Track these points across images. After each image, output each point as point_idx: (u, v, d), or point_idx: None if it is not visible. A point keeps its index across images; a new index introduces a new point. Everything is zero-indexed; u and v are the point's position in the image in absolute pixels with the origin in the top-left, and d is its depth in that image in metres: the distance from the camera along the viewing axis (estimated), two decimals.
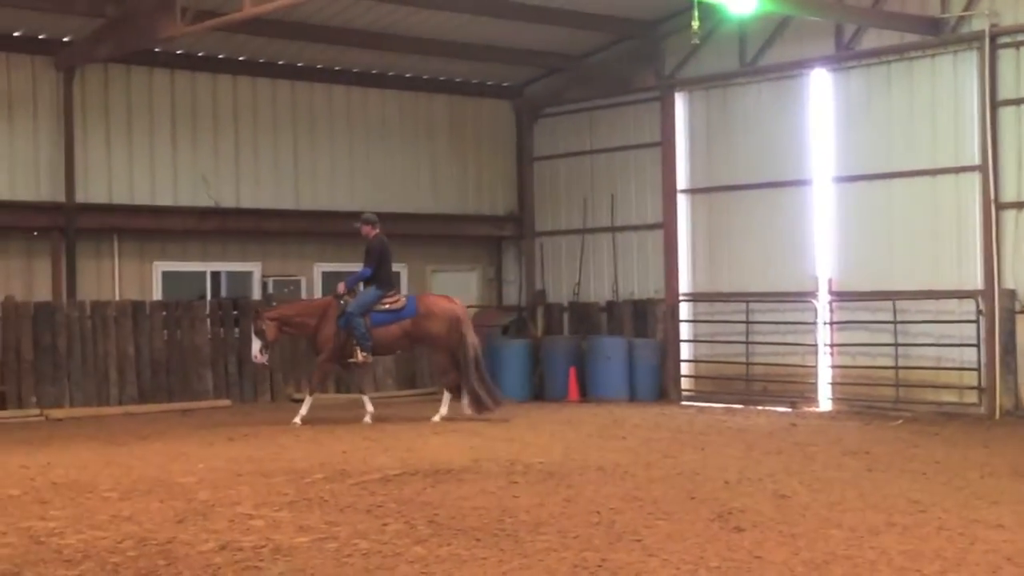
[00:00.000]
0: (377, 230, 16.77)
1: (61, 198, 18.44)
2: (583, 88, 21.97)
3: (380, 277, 16.62)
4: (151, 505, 9.70)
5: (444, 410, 16.50)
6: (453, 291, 22.19)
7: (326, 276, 21.47)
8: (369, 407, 16.53)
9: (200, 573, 7.25)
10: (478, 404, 16.41)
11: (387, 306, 16.54)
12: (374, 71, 21.73)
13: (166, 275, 19.86)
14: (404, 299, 16.87)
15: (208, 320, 19.31)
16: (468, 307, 22.32)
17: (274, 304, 18.19)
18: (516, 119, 23.25)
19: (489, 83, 23.00)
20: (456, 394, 16.59)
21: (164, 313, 18.85)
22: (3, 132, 18.20)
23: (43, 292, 18.34)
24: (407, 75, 22.09)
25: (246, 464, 12.11)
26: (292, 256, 21.15)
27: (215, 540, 8.21)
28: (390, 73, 21.91)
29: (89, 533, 8.48)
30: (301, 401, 19.16)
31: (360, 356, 16.40)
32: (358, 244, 21.57)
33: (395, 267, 22.15)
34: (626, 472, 11.39)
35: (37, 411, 17.25)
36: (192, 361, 18.90)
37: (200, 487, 10.62)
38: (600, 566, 7.33)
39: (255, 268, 20.76)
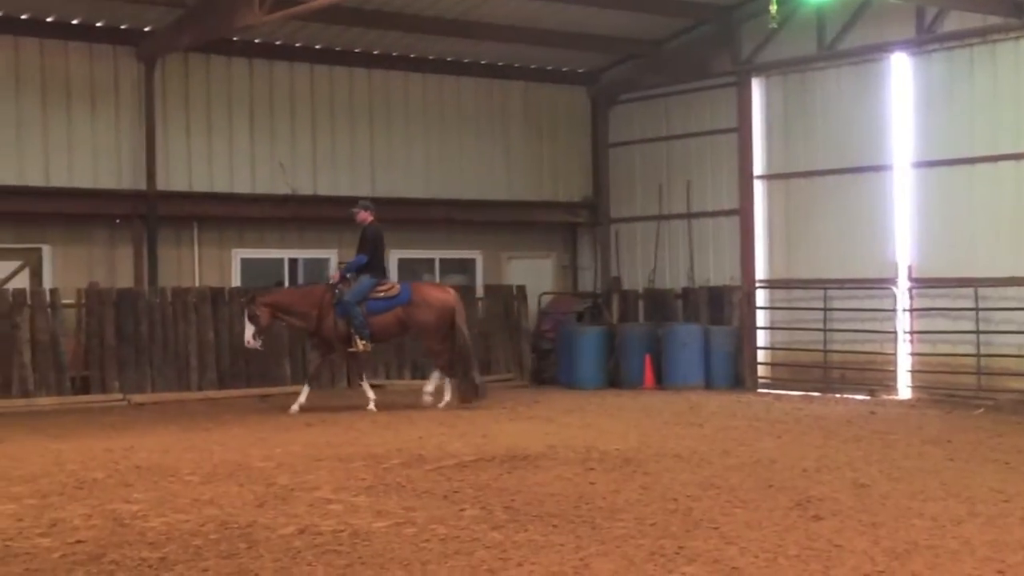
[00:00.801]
0: (372, 217, 16.74)
1: (143, 186, 18.70)
2: (659, 74, 21.84)
3: (374, 264, 16.58)
4: (231, 489, 9.82)
5: (448, 396, 16.57)
6: (528, 278, 22.28)
7: (401, 263, 21.60)
8: (371, 394, 16.50)
9: (280, 556, 7.33)
10: (464, 393, 16.52)
11: (382, 294, 16.50)
12: (449, 58, 21.77)
13: (245, 262, 20.08)
14: (398, 287, 16.83)
15: None
16: (543, 294, 22.42)
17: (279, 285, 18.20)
18: (592, 105, 23.18)
19: (565, 69, 22.95)
20: (451, 374, 16.66)
21: (243, 300, 19.04)
22: (86, 122, 18.49)
23: (125, 279, 18.62)
24: (483, 62, 22.10)
25: (324, 449, 12.22)
26: None
27: (294, 524, 8.30)
28: (466, 60, 21.93)
29: (172, 516, 8.60)
30: (380, 387, 19.38)
31: (360, 344, 16.35)
32: (431, 231, 21.79)
33: (470, 254, 22.44)
34: (703, 459, 11.34)
35: (120, 396, 17.53)
36: (270, 347, 19.06)
37: (279, 471, 10.73)
38: (678, 553, 7.31)
39: (331, 255, 20.90)
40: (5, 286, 17.65)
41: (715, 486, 9.80)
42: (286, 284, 20.16)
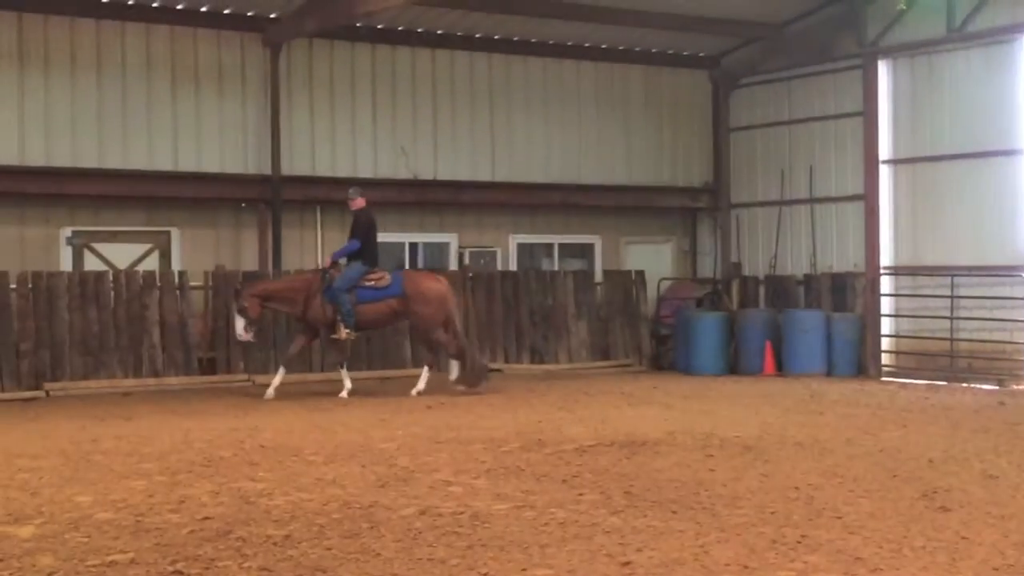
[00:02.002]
0: (365, 202, 16.58)
1: (267, 171, 19.02)
2: (782, 57, 21.55)
3: (367, 252, 16.40)
4: (354, 469, 9.95)
5: (455, 373, 16.57)
6: (648, 263, 22.19)
7: (521, 247, 21.68)
8: (347, 383, 16.30)
9: (402, 537, 7.41)
10: (462, 379, 16.53)
11: (371, 283, 16.29)
12: (570, 43, 21.74)
13: None
14: (388, 276, 16.52)
15: None
16: (662, 279, 22.31)
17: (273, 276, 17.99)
18: (712, 89, 22.97)
19: (685, 53, 22.76)
20: (462, 359, 16.58)
21: (232, 292, 19.16)
22: (214, 107, 18.87)
23: (250, 261, 18.97)
24: (603, 46, 22.03)
25: (444, 432, 12.32)
26: (488, 227, 21.39)
27: (415, 505, 8.38)
28: (586, 44, 21.88)
29: (296, 495, 8.75)
30: (498, 371, 19.48)
31: (343, 332, 16.19)
32: (550, 215, 21.80)
33: (589, 239, 22.41)
34: (825, 448, 11.19)
35: (245, 376, 17.87)
36: (391, 330, 19.23)
37: (400, 453, 10.85)
38: (799, 542, 7.23)
39: (452, 239, 21.07)
40: (135, 268, 18.12)
41: (838, 475, 9.66)
42: (406, 267, 20.34)
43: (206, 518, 7.90)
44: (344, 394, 16.11)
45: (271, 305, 16.48)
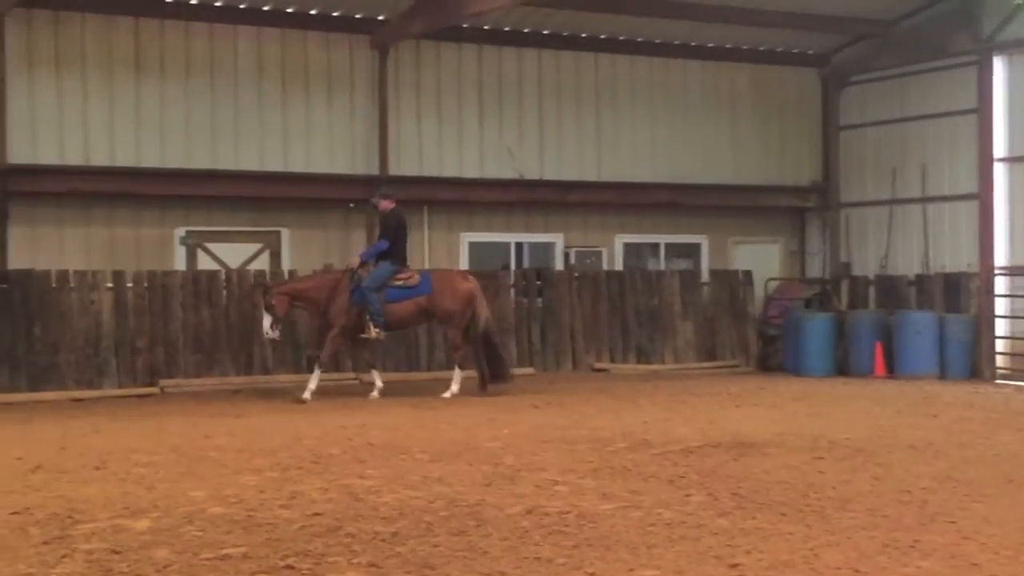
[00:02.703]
0: (394, 204, 16.43)
1: (375, 171, 19.21)
2: (893, 54, 21.19)
3: (395, 252, 16.25)
4: (460, 468, 10.00)
5: (455, 387, 16.13)
6: (755, 263, 21.97)
7: (627, 247, 21.61)
8: (378, 382, 16.13)
9: (509, 535, 7.43)
10: (484, 380, 16.33)
11: (400, 282, 16.16)
12: (676, 42, 21.62)
13: (473, 245, 20.42)
14: (417, 276, 16.40)
15: (512, 290, 19.74)
16: (770, 280, 22.08)
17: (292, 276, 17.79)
18: (822, 87, 22.68)
19: (795, 51, 22.50)
20: (464, 368, 16.36)
21: (259, 290, 19.23)
22: (323, 109, 19.12)
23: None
24: (710, 45, 21.88)
25: (550, 431, 12.33)
26: (594, 227, 21.36)
27: (522, 504, 8.39)
28: (692, 43, 21.75)
29: (403, 492, 8.81)
30: (603, 371, 19.45)
31: (373, 331, 16.02)
32: (657, 215, 21.69)
33: (696, 238, 22.26)
34: (938, 451, 10.98)
35: (352, 375, 18.06)
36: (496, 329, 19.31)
37: (506, 452, 10.88)
38: (912, 547, 7.10)
39: (557, 239, 21.08)
40: (246, 267, 18.42)
41: (952, 479, 9.48)
42: (511, 268, 20.40)
43: (316, 514, 8.00)
44: (375, 394, 15.95)
45: (299, 304, 16.35)
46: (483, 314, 16.41)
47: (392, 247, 16.18)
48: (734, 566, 6.66)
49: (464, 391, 16.11)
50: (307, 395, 15.57)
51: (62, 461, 10.32)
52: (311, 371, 16.12)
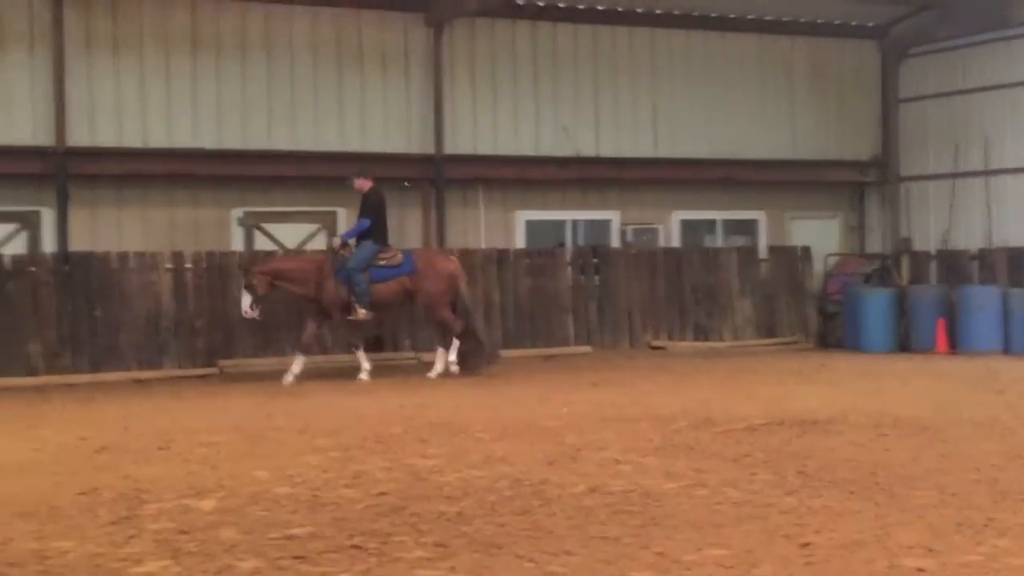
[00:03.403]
0: (372, 182, 16.14)
1: (431, 150, 19.20)
2: (954, 25, 20.85)
3: (377, 231, 15.99)
4: (522, 447, 9.96)
5: (452, 357, 15.99)
6: (814, 239, 21.75)
7: (684, 223, 21.46)
8: (365, 364, 15.88)
9: (573, 515, 7.38)
10: (477, 360, 16.12)
11: (384, 262, 15.93)
12: (732, 15, 21.41)
13: (529, 223, 20.37)
14: (400, 255, 16.18)
15: (569, 267, 19.66)
16: (829, 255, 21.86)
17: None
18: (881, 60, 22.38)
19: (853, 23, 22.21)
20: (448, 344, 16.12)
21: (527, 261, 19.33)
22: (378, 87, 19.11)
23: (414, 240, 19.17)
24: (767, 18, 21.65)
25: (610, 409, 12.27)
26: (650, 204, 21.23)
27: (585, 483, 8.34)
28: (749, 16, 21.53)
29: (466, 472, 8.79)
30: (661, 349, 19.35)
31: (359, 312, 15.80)
32: (713, 191, 21.51)
33: (753, 215, 22.06)
34: (1006, 428, 10.81)
35: (411, 354, 18.08)
36: (554, 308, 19.29)
37: (567, 431, 10.83)
38: (986, 525, 6.97)
39: (614, 216, 20.97)
40: (304, 247, 18.46)
41: (1021, 456, 9.31)
42: (567, 246, 20.33)
43: (380, 493, 7.99)
44: (363, 376, 15.75)
45: (280, 284, 16.00)
46: (466, 295, 16.27)
47: (373, 226, 15.89)
48: (804, 545, 6.57)
49: (515, 371, 16.06)
50: (290, 378, 15.44)
51: (126, 441, 10.39)
52: (359, 352, 16.04)
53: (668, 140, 21.09)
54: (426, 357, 17.72)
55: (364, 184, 16.10)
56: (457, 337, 16.11)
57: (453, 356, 16.03)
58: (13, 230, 17.60)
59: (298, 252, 17.76)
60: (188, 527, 7.05)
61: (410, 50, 19.30)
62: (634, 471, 8.83)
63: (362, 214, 16.06)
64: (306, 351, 15.99)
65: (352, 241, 16.01)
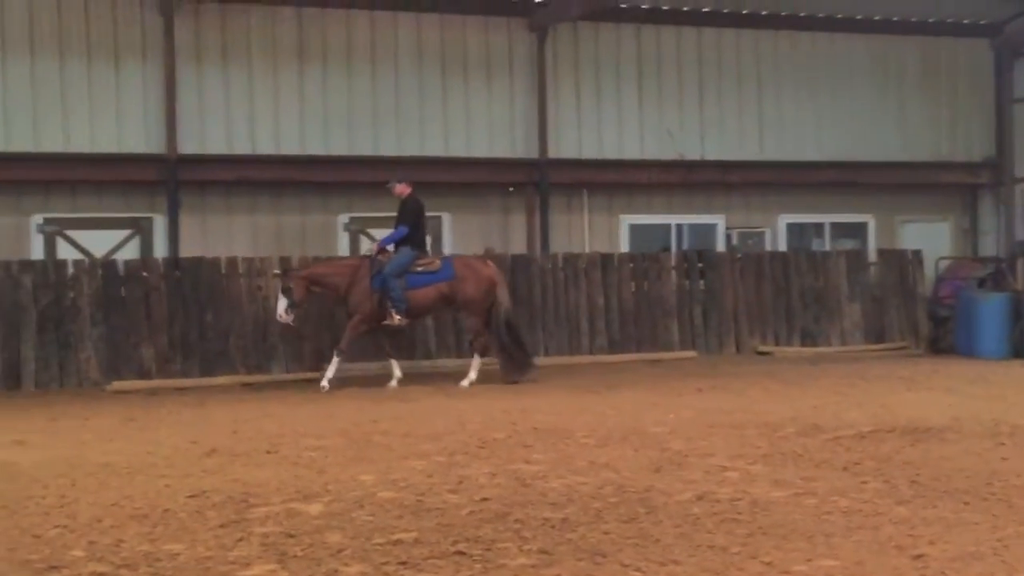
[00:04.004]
0: (411, 188, 15.83)
1: (535, 154, 19.21)
2: None
3: (415, 237, 15.74)
4: (626, 453, 9.87)
5: (473, 375, 15.62)
6: (924, 242, 21.33)
7: (790, 227, 21.20)
8: (397, 372, 15.65)
9: (680, 523, 7.29)
10: (508, 368, 15.75)
11: (421, 268, 15.64)
12: (840, 16, 21.10)
13: (632, 227, 20.28)
14: (439, 261, 15.91)
15: (674, 272, 19.51)
16: (940, 259, 21.42)
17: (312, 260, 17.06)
18: (994, 58, 21.90)
19: (965, 21, 21.77)
20: (485, 356, 15.83)
21: (631, 265, 19.22)
22: (482, 93, 19.19)
23: (518, 244, 19.20)
24: (875, 18, 21.31)
25: (716, 415, 12.12)
26: (756, 208, 21.03)
27: (691, 490, 8.24)
28: (858, 17, 21.20)
29: (570, 478, 8.73)
30: (767, 354, 19.11)
31: (395, 318, 15.52)
32: (821, 194, 21.21)
33: (862, 218, 21.71)
34: None
35: None
36: (658, 312, 19.17)
37: (673, 437, 10.71)
38: None
39: (719, 220, 20.80)
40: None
41: None
42: (672, 250, 20.20)
43: (484, 499, 7.97)
44: (393, 383, 15.55)
45: (317, 289, 15.82)
46: (504, 301, 16.04)
47: (411, 233, 15.70)
48: (917, 557, 6.40)
49: (620, 376, 15.96)
50: (325, 383, 15.40)
51: (235, 445, 10.52)
52: (477, 357, 15.99)
53: (774, 142, 20.86)
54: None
55: (404, 190, 15.88)
56: (481, 347, 15.91)
57: (474, 375, 15.71)
58: (126, 236, 18.03)
59: (347, 257, 17.45)
60: (295, 531, 7.10)
61: (514, 55, 19.35)
62: (741, 479, 8.70)
63: (400, 220, 15.82)
64: (342, 354, 15.78)
65: (391, 247, 15.86)
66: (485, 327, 15.91)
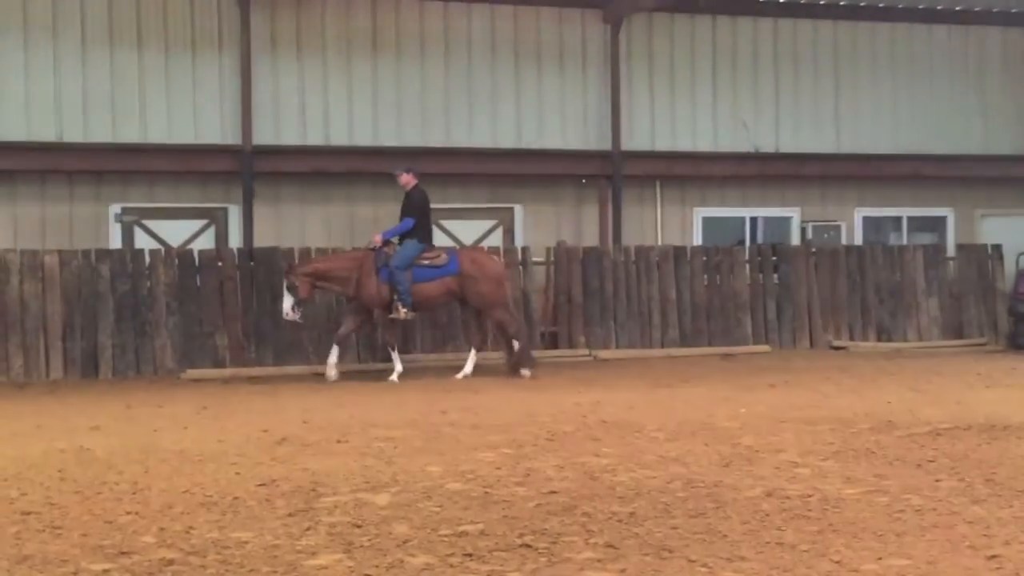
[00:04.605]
0: (416, 180, 15.57)
1: (607, 146, 19.12)
2: None
3: (421, 230, 15.49)
4: (696, 447, 9.80)
5: (527, 372, 15.51)
6: (1005, 237, 20.95)
7: (867, 220, 20.92)
8: (398, 366, 15.48)
9: (749, 519, 7.21)
10: (518, 363, 15.62)
11: (427, 261, 15.40)
12: (921, 6, 20.77)
13: (706, 220, 20.13)
14: (445, 255, 15.61)
15: (747, 266, 19.33)
16: (1021, 254, 21.02)
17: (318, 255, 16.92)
18: None
19: None
20: (521, 340, 15.73)
21: (704, 258, 19.07)
22: (555, 84, 19.13)
23: (590, 237, 19.13)
24: (957, 8, 20.93)
25: (788, 411, 11.99)
26: (831, 200, 20.77)
27: (761, 486, 8.15)
28: (938, 7, 20.85)
29: (639, 472, 8.68)
30: (842, 349, 18.89)
31: (401, 312, 15.29)
32: (899, 187, 20.89)
33: (941, 211, 21.36)
34: None
35: (586, 351, 18.04)
36: (731, 306, 19.01)
37: (743, 432, 10.61)
38: None
39: (794, 213, 20.57)
40: (481, 244, 18.58)
41: None
42: (747, 243, 20.03)
43: (552, 492, 7.94)
44: (394, 377, 15.36)
45: (322, 284, 15.65)
46: (508, 295, 15.97)
47: (417, 225, 15.50)
48: (992, 557, 6.28)
49: (691, 370, 15.84)
50: (332, 372, 15.37)
51: (305, 434, 10.59)
52: (394, 352, 15.75)
53: (851, 134, 20.60)
54: (602, 354, 17.72)
55: (409, 180, 15.62)
56: (515, 338, 15.78)
57: (527, 372, 15.59)
58: (202, 226, 18.21)
59: (351, 250, 17.00)
60: (362, 521, 7.12)
61: (588, 46, 19.28)
62: (812, 475, 8.59)
63: (405, 212, 15.63)
64: (341, 343, 15.68)
65: (395, 239, 15.69)
66: (512, 318, 15.87)
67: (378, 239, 15.67)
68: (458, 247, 16.64)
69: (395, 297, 15.37)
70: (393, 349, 15.76)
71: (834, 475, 8.57)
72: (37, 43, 17.40)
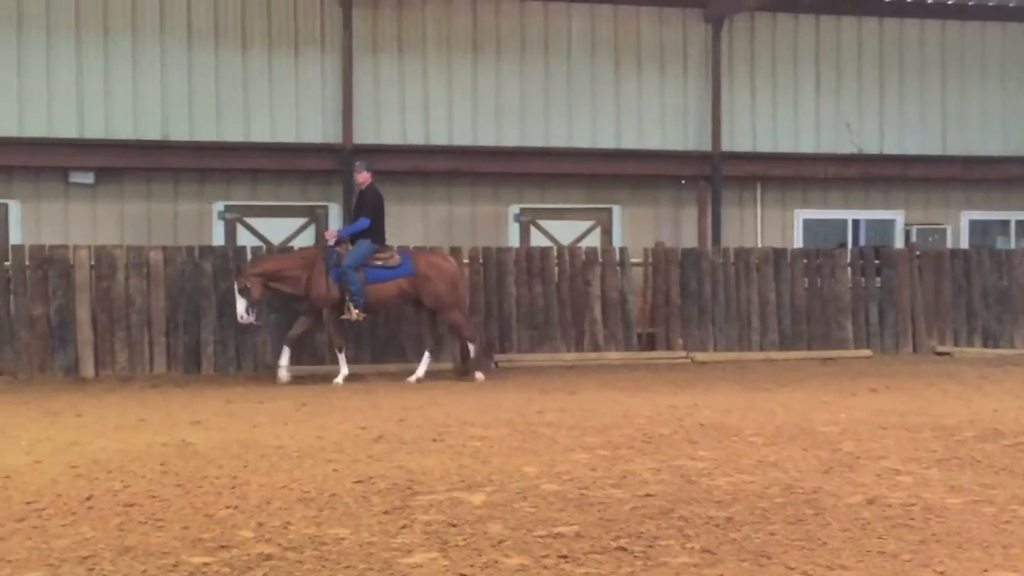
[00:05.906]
0: (371, 178, 15.27)
1: (707, 147, 18.96)
2: None
3: (376, 229, 15.17)
4: (795, 452, 9.66)
5: (480, 376, 15.36)
6: None
7: (973, 224, 20.51)
8: (344, 370, 15.25)
9: (849, 526, 7.09)
10: (472, 367, 15.49)
11: (380, 262, 15.11)
12: None
13: (807, 222, 19.87)
14: (398, 256, 15.30)
15: (849, 269, 19.04)
16: None
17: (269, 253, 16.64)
18: None
19: None
20: (474, 342, 15.49)
21: (805, 261, 18.82)
22: (655, 84, 19.03)
23: (689, 238, 19.00)
24: None
25: (890, 417, 11.77)
26: (936, 203, 20.39)
27: (862, 493, 8.01)
28: None
29: (736, 476, 8.57)
30: (946, 355, 18.53)
31: (352, 313, 15.02)
32: (1007, 190, 20.44)
33: (1021, 216, 20.87)
34: None
35: (683, 353, 17.91)
36: (832, 310, 18.74)
37: (843, 438, 10.44)
38: None
39: (897, 216, 20.24)
40: (578, 244, 18.55)
41: None
42: (848, 246, 19.74)
43: (648, 495, 7.88)
44: (339, 380, 15.18)
45: (274, 285, 15.39)
46: (464, 297, 15.85)
47: (372, 225, 15.25)
48: None
49: (790, 374, 15.63)
50: (283, 373, 15.27)
51: (402, 432, 10.64)
52: (341, 355, 15.52)
53: (958, 136, 20.20)
54: (699, 357, 17.60)
55: (366, 179, 15.42)
56: (470, 340, 15.64)
57: (423, 371, 15.45)
58: (302, 224, 18.41)
59: (300, 250, 16.84)
60: (457, 520, 7.12)
61: (688, 46, 19.15)
62: (915, 483, 8.42)
63: (360, 211, 15.41)
64: (292, 344, 15.48)
65: (347, 239, 15.41)
66: (466, 320, 15.79)
67: (333, 235, 15.54)
68: (412, 248, 16.46)
69: (347, 298, 15.22)
70: (340, 351, 15.52)
71: (937, 484, 8.39)
72: (144, 44, 17.73)
